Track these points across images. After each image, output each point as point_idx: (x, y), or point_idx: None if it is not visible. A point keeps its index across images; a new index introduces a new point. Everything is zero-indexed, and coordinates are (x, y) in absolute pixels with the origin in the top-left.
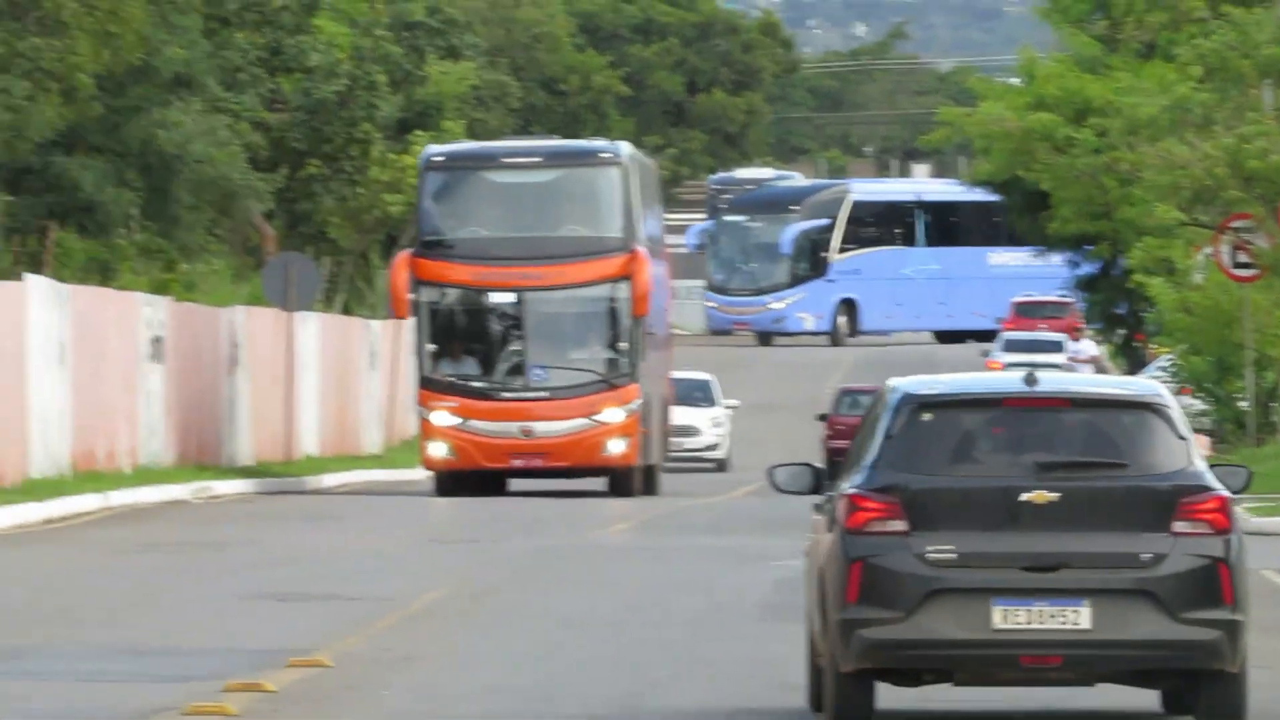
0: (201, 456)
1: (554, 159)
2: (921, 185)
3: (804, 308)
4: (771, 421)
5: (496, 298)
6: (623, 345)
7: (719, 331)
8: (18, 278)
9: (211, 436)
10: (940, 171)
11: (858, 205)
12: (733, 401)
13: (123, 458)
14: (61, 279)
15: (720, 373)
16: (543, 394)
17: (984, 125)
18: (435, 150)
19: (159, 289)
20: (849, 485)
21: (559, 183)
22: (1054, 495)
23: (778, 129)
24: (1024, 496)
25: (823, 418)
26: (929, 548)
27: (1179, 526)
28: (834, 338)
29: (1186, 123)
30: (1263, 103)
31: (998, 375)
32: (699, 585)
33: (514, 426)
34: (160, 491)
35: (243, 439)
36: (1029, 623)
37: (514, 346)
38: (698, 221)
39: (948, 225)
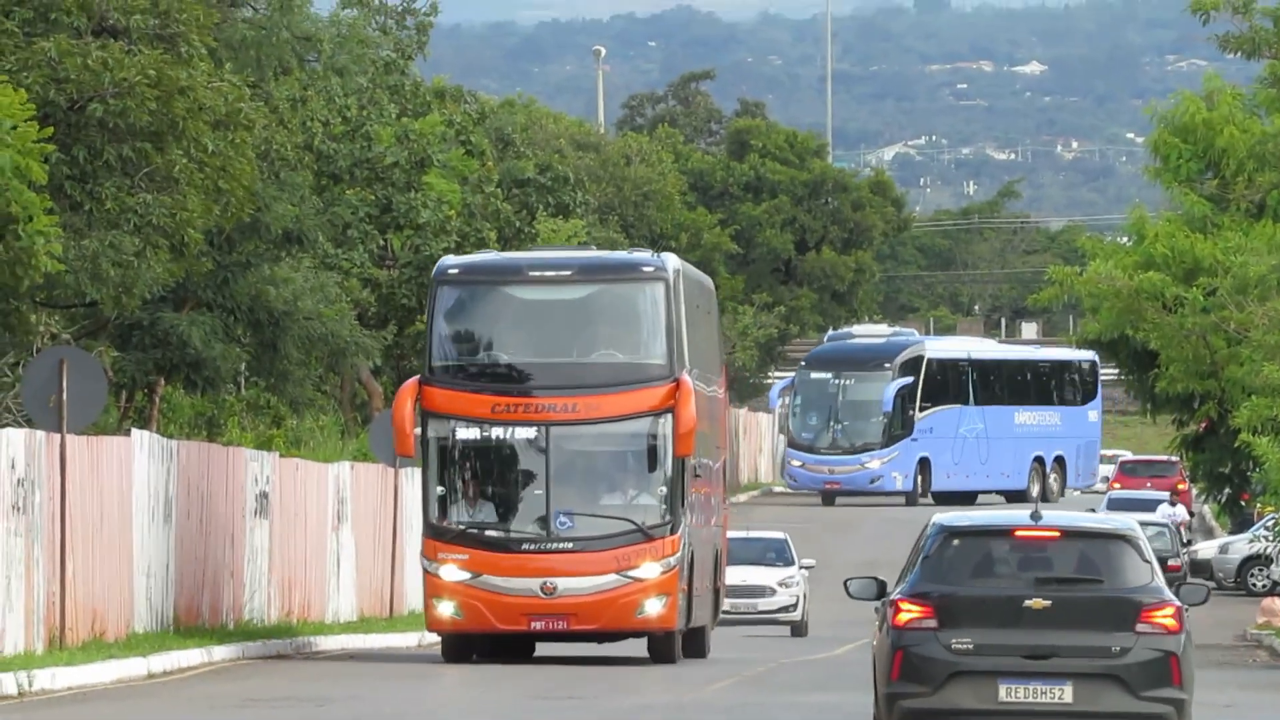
0: (305, 613)
1: (588, 273)
2: (972, 344)
3: (896, 467)
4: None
5: (517, 433)
6: (662, 490)
7: (814, 492)
8: (125, 433)
9: (316, 592)
10: (1049, 330)
11: (929, 363)
12: (809, 561)
13: (226, 613)
14: (168, 434)
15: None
16: (568, 545)
17: (1093, 284)
18: (450, 262)
19: (265, 444)
20: (896, 593)
21: (593, 300)
22: (1048, 602)
23: (887, 287)
24: (1026, 603)
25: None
26: (953, 640)
27: (1141, 628)
28: (910, 497)
29: None
30: None
31: (1011, 511)
32: None
33: (534, 583)
34: (263, 647)
35: (346, 595)
36: (1026, 697)
37: (535, 490)
38: None
39: (989, 384)
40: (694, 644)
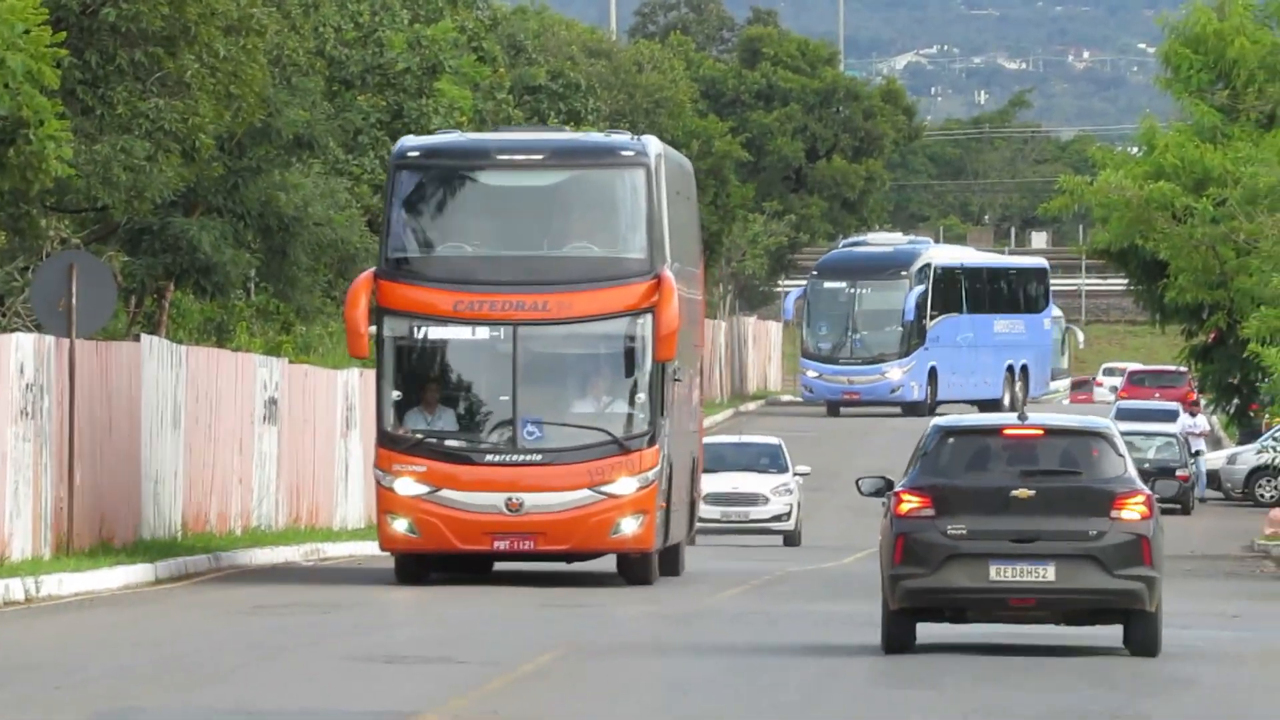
0: (313, 519)
1: (561, 156)
2: (961, 252)
3: (914, 376)
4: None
5: (480, 333)
6: (640, 397)
7: (820, 403)
8: (134, 338)
9: (324, 499)
10: (1058, 240)
11: (935, 270)
12: (803, 468)
13: (234, 519)
14: (177, 340)
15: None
16: (536, 457)
17: (1103, 194)
18: (411, 143)
19: (274, 351)
20: (898, 485)
21: (566, 187)
22: (1032, 492)
23: (897, 196)
24: (1013, 493)
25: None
26: (948, 526)
27: (1115, 514)
28: (920, 407)
29: None
30: None
31: (1001, 414)
32: (810, 649)
33: (498, 498)
34: (271, 554)
35: (354, 502)
36: (1014, 577)
37: (501, 396)
38: None
39: (976, 293)
40: (669, 562)
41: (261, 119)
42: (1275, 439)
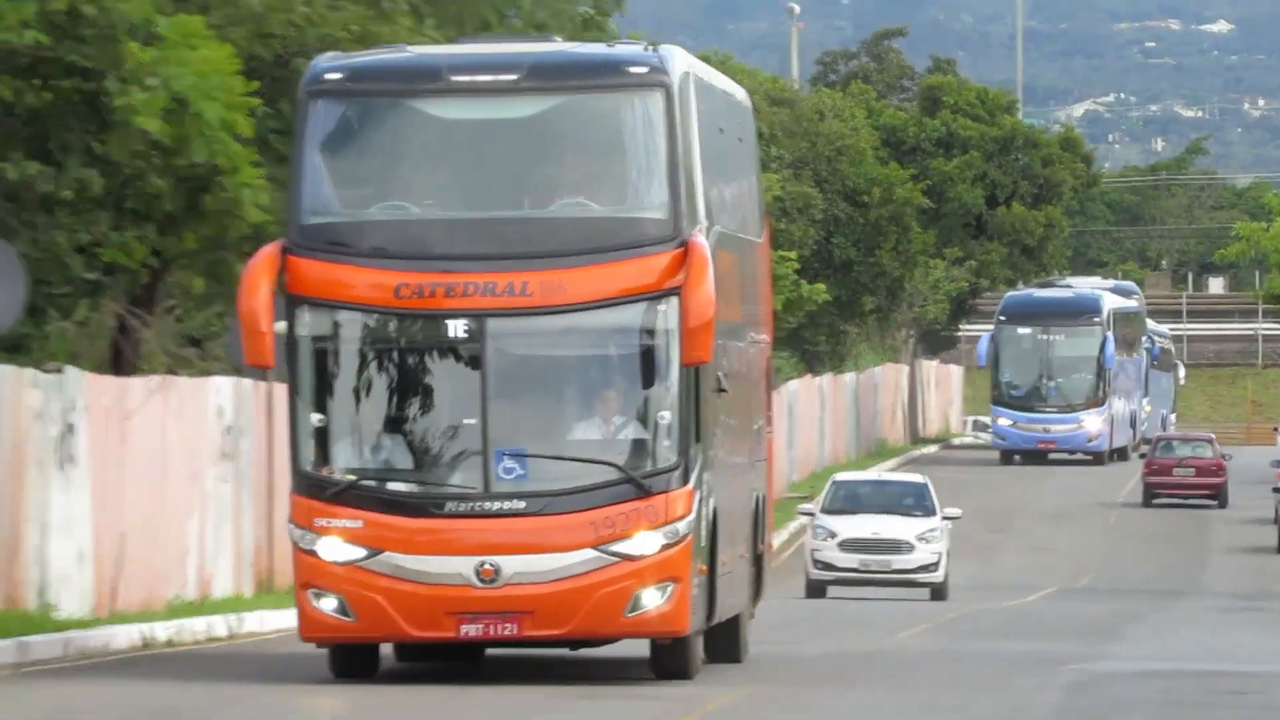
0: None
1: (545, 76)
2: (1116, 298)
3: (1107, 424)
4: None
5: (435, 329)
6: (665, 416)
7: (1014, 451)
8: None
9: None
10: (1234, 285)
11: (1113, 316)
12: (953, 510)
13: None
14: None
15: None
16: (518, 505)
17: (1279, 240)
18: (328, 63)
19: None
20: None
21: (553, 120)
22: None
23: (1076, 242)
24: None
25: (1142, 456)
26: None
27: None
28: (1101, 456)
29: None
30: None
31: None
32: (995, 687)
33: (465, 564)
34: None
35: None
36: None
37: (467, 419)
38: None
39: (1133, 338)
40: (725, 643)
41: None
42: None
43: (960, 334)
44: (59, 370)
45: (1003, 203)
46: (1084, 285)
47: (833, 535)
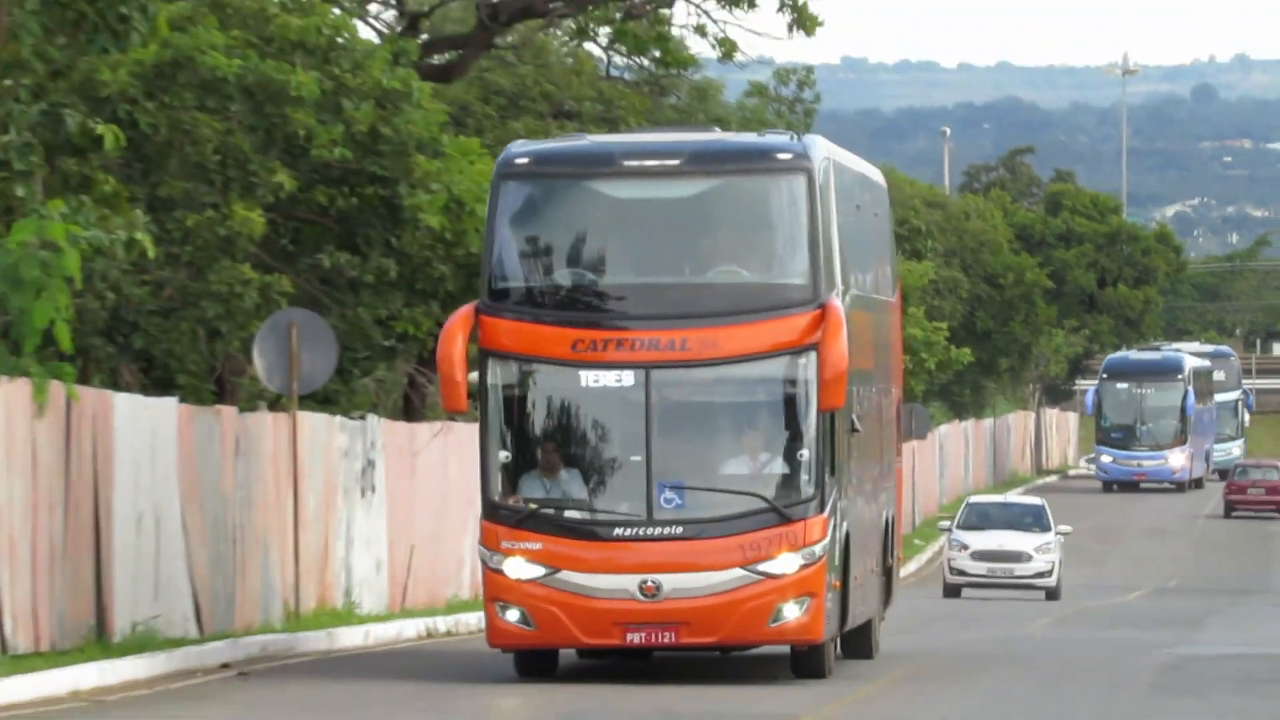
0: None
1: (703, 162)
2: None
3: (1190, 460)
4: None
5: (608, 379)
6: (804, 454)
7: (1113, 482)
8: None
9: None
10: None
11: (1193, 373)
12: (1065, 527)
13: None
14: None
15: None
16: (676, 530)
17: None
18: (519, 149)
19: None
20: None
21: (710, 199)
22: None
23: (1168, 315)
24: None
25: (1224, 476)
26: None
27: None
28: (1183, 485)
29: None
30: None
31: None
32: (1104, 666)
33: (630, 581)
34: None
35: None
36: None
37: (633, 456)
38: None
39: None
40: (858, 644)
41: None
42: None
43: (1076, 388)
44: (362, 417)
45: (1110, 284)
46: (1185, 349)
47: (965, 547)
